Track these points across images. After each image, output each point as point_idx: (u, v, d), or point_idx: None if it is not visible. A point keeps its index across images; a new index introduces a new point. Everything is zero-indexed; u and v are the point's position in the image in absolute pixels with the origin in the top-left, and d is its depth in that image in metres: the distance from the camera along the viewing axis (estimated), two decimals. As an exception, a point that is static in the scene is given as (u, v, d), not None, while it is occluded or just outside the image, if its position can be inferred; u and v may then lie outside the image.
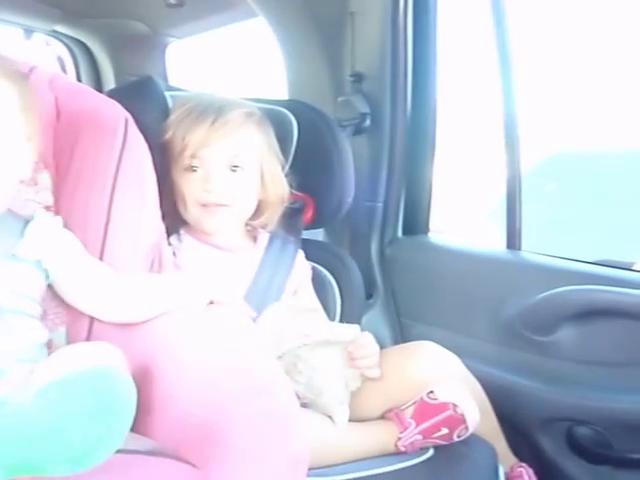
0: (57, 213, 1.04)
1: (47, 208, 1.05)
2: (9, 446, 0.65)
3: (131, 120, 1.09)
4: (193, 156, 1.22)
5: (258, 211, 1.31)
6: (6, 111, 0.91)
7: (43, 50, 2.34)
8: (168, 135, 1.23)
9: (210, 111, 1.22)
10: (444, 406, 1.13)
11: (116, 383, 0.71)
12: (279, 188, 1.31)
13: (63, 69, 2.34)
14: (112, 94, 1.22)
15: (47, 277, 0.97)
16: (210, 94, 1.31)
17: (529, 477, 1.27)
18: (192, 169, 1.23)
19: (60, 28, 2.25)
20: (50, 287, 0.99)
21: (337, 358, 1.20)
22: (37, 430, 0.66)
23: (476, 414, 1.15)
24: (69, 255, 0.98)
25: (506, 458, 1.28)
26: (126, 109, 1.10)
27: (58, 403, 0.67)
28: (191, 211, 1.25)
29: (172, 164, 1.24)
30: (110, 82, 2.25)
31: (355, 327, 1.21)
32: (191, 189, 1.23)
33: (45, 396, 0.68)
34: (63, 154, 1.08)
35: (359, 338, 1.21)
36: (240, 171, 1.24)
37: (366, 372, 1.22)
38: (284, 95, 1.84)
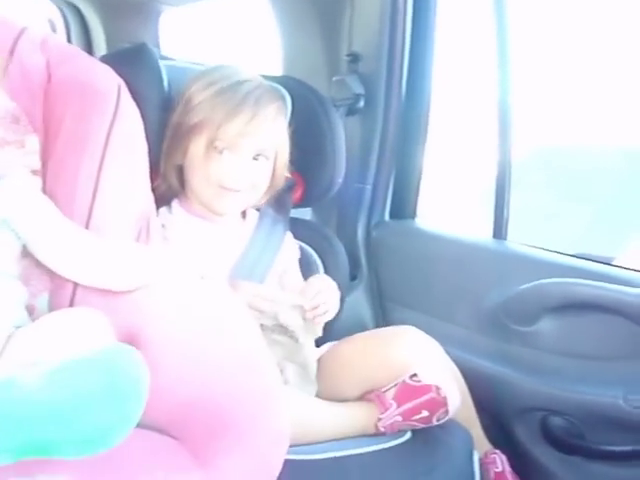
0: (44, 177, 1.03)
1: (34, 172, 1.03)
2: (19, 428, 0.64)
3: (124, 87, 1.08)
4: (227, 144, 1.22)
5: None
6: None
7: (33, 11, 2.29)
8: (198, 118, 1.21)
9: (249, 102, 1.21)
10: (427, 388, 1.14)
11: (129, 365, 0.70)
12: (284, 172, 1.32)
13: (54, 32, 2.29)
14: (105, 60, 1.20)
15: (19, 237, 0.94)
16: (233, 69, 1.28)
17: (502, 463, 1.28)
18: (220, 152, 1.22)
19: (52, -11, 2.21)
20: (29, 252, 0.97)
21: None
22: (48, 412, 0.65)
23: (457, 398, 1.16)
24: (39, 215, 0.95)
25: (481, 444, 1.30)
26: (119, 76, 1.08)
27: (69, 385, 0.66)
28: (207, 189, 1.25)
29: (198, 144, 1.22)
30: (101, 48, 2.21)
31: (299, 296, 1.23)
32: (218, 171, 1.22)
33: (56, 377, 0.66)
34: (53, 118, 1.06)
35: (311, 287, 1.23)
36: (262, 160, 1.26)
37: (323, 318, 1.22)
38: (278, 70, 1.82)
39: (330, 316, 1.25)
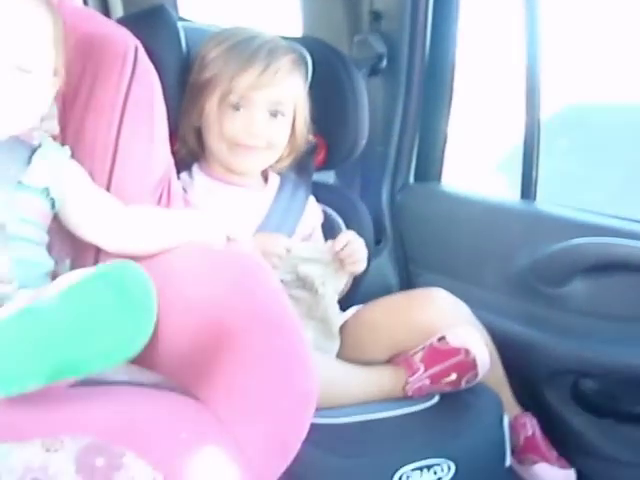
0: (63, 142, 1.02)
1: (53, 137, 1.02)
2: (46, 350, 0.67)
3: (141, 48, 1.05)
4: (240, 97, 1.20)
5: (281, 154, 1.29)
6: (41, 41, 0.89)
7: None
8: (210, 73, 1.20)
9: (261, 54, 1.20)
10: (456, 351, 1.13)
11: (137, 277, 0.71)
12: (305, 133, 1.30)
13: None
14: (122, 22, 1.18)
15: (53, 206, 0.95)
16: (250, 29, 1.26)
17: (532, 427, 1.27)
18: (235, 107, 1.21)
19: (67, -46, 2.17)
20: (56, 218, 0.97)
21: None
22: (67, 330, 0.67)
23: (487, 361, 1.14)
24: (76, 183, 0.96)
25: (511, 407, 1.28)
26: (137, 38, 1.06)
27: (81, 302, 0.68)
28: (224, 148, 1.23)
29: (213, 100, 1.21)
30: (118, 11, 2.18)
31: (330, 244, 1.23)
32: (232, 127, 1.21)
33: (69, 296, 0.69)
34: (70, 81, 1.03)
35: (340, 239, 1.22)
36: (280, 117, 1.23)
37: (353, 268, 1.23)
38: (298, 32, 1.78)
39: (360, 267, 1.24)
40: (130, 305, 0.69)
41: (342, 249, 1.21)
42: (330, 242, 1.24)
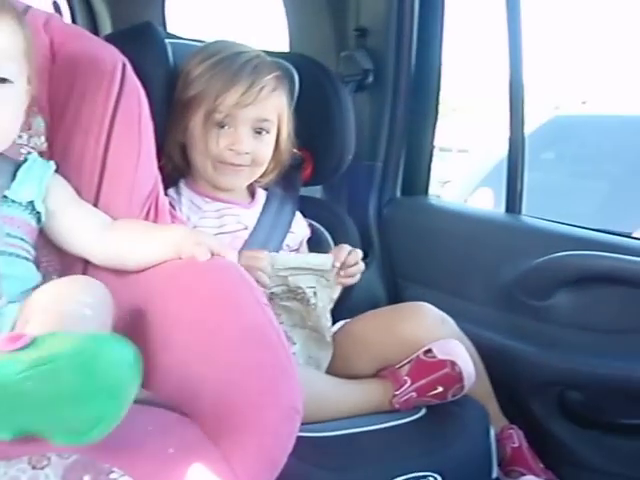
0: (51, 158, 1.02)
1: (41, 153, 1.03)
2: (10, 413, 0.65)
3: (128, 65, 1.06)
4: (225, 115, 1.21)
5: (266, 169, 1.30)
6: (15, 53, 0.90)
7: (38, -6, 2.27)
8: (195, 90, 1.21)
9: (246, 72, 1.21)
10: (442, 364, 1.13)
11: (111, 359, 0.67)
12: (289, 148, 1.31)
13: (59, 14, 2.28)
14: (109, 39, 1.19)
15: (39, 221, 0.95)
16: (232, 44, 1.27)
17: (519, 439, 1.27)
18: (220, 125, 1.21)
19: (56, -28, 2.19)
20: (42, 232, 0.97)
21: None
22: (34, 405, 0.65)
23: (473, 373, 1.15)
24: (61, 198, 0.97)
25: (497, 420, 1.29)
26: (124, 55, 1.07)
27: (54, 381, 0.65)
28: (209, 165, 1.24)
29: (197, 117, 1.21)
30: (107, 29, 2.19)
31: (329, 256, 1.23)
32: (216, 145, 1.22)
33: (41, 370, 0.65)
34: (58, 98, 1.05)
35: (340, 249, 1.24)
36: (264, 133, 1.24)
37: (348, 281, 1.24)
38: (285, 47, 1.80)
39: (354, 280, 1.25)
40: (98, 394, 0.65)
41: (344, 262, 1.22)
42: (328, 255, 1.25)
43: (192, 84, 1.21)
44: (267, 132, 1.24)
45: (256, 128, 1.23)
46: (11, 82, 0.89)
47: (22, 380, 0.65)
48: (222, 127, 1.22)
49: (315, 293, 1.22)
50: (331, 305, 1.25)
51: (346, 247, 1.26)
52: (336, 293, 1.26)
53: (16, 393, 0.65)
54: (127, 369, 0.67)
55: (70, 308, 0.76)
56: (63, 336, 0.69)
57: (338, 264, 1.22)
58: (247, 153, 1.23)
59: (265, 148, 1.25)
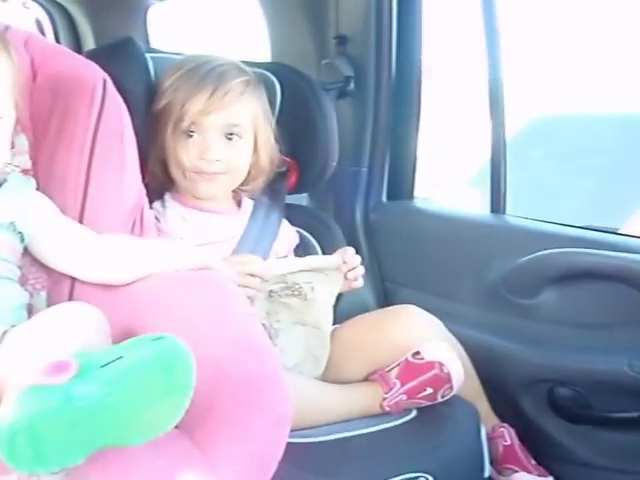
0: (35, 176, 1.03)
1: (25, 171, 1.03)
2: (86, 440, 0.68)
3: (109, 81, 1.07)
4: (192, 123, 1.21)
5: (248, 176, 1.30)
6: (5, 87, 0.91)
7: (20, 12, 2.28)
8: (164, 101, 1.21)
9: (210, 78, 1.20)
10: (430, 365, 1.14)
11: (183, 357, 0.73)
12: (270, 153, 1.30)
13: (41, 32, 2.29)
14: (91, 55, 1.20)
15: (22, 240, 0.96)
16: (205, 56, 1.27)
17: (510, 437, 1.29)
18: (188, 134, 1.22)
19: (38, -10, 2.20)
20: (28, 251, 0.98)
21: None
22: (115, 416, 0.68)
23: (461, 374, 1.16)
24: (43, 215, 0.97)
25: (488, 419, 1.30)
26: (105, 71, 1.08)
27: (132, 389, 0.69)
28: (186, 177, 1.24)
29: (168, 129, 1.22)
30: (90, 45, 2.20)
31: (337, 256, 1.25)
32: (188, 155, 1.22)
33: (118, 383, 0.69)
34: (40, 116, 1.06)
35: (345, 250, 1.25)
36: (236, 139, 1.23)
37: (353, 284, 1.25)
38: (267, 57, 1.81)
39: (359, 284, 1.27)
40: (175, 388, 0.71)
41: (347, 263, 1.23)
42: (331, 256, 1.26)
43: (162, 96, 1.22)
44: (239, 137, 1.23)
45: (227, 134, 1.22)
46: (1, 118, 0.91)
47: (106, 395, 0.68)
48: (191, 136, 1.21)
49: (313, 288, 1.23)
50: (332, 300, 1.26)
51: (350, 249, 1.27)
52: (336, 289, 1.26)
53: (99, 410, 0.67)
54: (192, 363, 0.73)
55: None
56: (116, 348, 0.74)
57: (342, 262, 1.23)
58: (218, 160, 1.22)
59: (238, 154, 1.24)
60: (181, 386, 0.71)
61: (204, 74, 1.21)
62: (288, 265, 1.22)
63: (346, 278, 1.24)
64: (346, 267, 1.23)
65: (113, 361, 0.70)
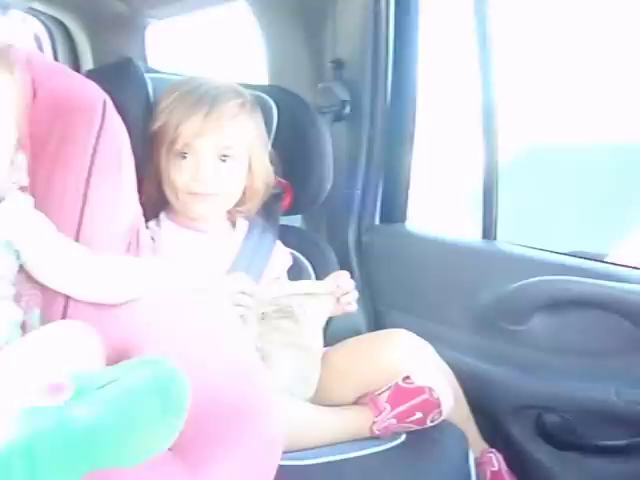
0: (32, 194, 1.03)
1: (22, 189, 1.04)
2: (83, 455, 0.67)
3: (109, 102, 1.08)
4: (185, 144, 1.22)
5: (242, 197, 1.31)
6: (6, 104, 0.92)
7: (19, 27, 2.30)
8: (160, 123, 1.22)
9: (205, 100, 1.21)
10: (420, 390, 1.15)
11: (179, 381, 0.73)
12: (265, 175, 1.31)
13: (40, 48, 2.30)
14: (90, 75, 1.21)
15: (18, 258, 0.96)
16: (201, 78, 1.29)
17: (498, 462, 1.29)
18: (182, 156, 1.23)
19: (37, 5, 2.21)
20: (23, 268, 0.98)
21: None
22: (109, 438, 0.68)
23: (450, 399, 1.17)
24: (39, 234, 0.97)
25: (476, 444, 1.31)
26: (105, 91, 1.09)
27: (128, 412, 0.69)
28: (179, 198, 1.25)
29: (162, 150, 1.23)
30: (88, 62, 2.22)
31: (330, 280, 1.26)
32: (181, 177, 1.23)
33: (112, 406, 0.69)
34: (39, 135, 1.06)
35: (339, 274, 1.26)
36: (230, 161, 1.24)
37: (346, 308, 1.26)
38: (264, 80, 1.83)
39: (353, 308, 1.27)
40: (170, 411, 0.71)
41: (342, 286, 1.24)
42: (324, 282, 1.27)
43: (157, 118, 1.23)
44: (233, 159, 1.24)
45: (220, 156, 1.23)
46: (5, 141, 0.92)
47: (98, 417, 0.67)
48: (184, 157, 1.22)
49: (305, 311, 1.23)
50: (323, 323, 1.27)
51: (345, 273, 1.28)
52: (328, 312, 1.27)
53: (92, 432, 0.67)
54: (187, 386, 0.73)
55: None
56: (112, 370, 0.74)
57: (335, 287, 1.24)
58: (212, 182, 1.22)
59: (232, 176, 1.25)
60: (176, 409, 0.71)
61: (199, 96, 1.22)
62: (282, 289, 1.23)
63: (339, 302, 1.24)
64: (340, 292, 1.24)
65: (109, 383, 0.70)
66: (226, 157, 1.24)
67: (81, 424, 0.67)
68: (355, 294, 1.27)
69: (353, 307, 1.27)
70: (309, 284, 1.27)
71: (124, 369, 0.73)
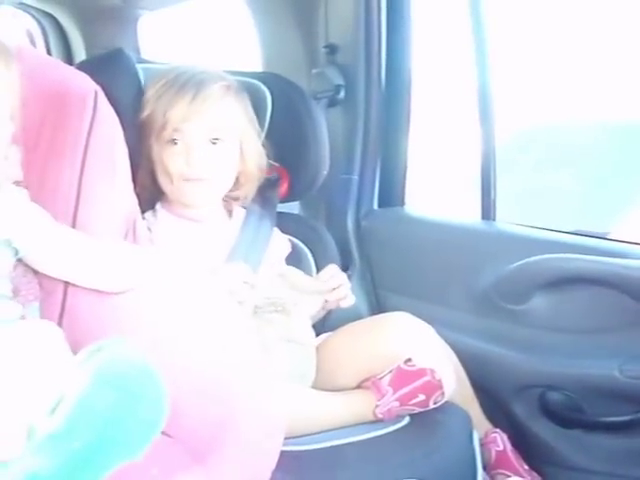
0: (27, 187, 1.03)
1: (16, 183, 1.04)
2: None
3: (101, 92, 1.08)
4: (174, 130, 1.22)
5: (237, 183, 1.31)
6: (2, 99, 0.92)
7: (10, 23, 2.29)
8: (148, 111, 1.23)
9: (190, 85, 1.22)
10: (422, 372, 1.15)
11: (151, 389, 0.72)
12: (258, 159, 1.31)
13: (32, 43, 2.29)
14: (82, 67, 1.21)
15: (16, 253, 0.95)
16: (187, 65, 1.29)
17: (503, 442, 1.29)
18: (173, 142, 1.23)
19: (28, 0, 2.20)
20: (20, 263, 0.97)
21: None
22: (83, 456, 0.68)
23: (452, 380, 1.17)
24: (37, 225, 0.96)
25: (480, 424, 1.31)
26: (96, 82, 1.09)
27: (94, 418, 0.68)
28: (172, 184, 1.25)
29: (153, 138, 1.23)
30: (81, 56, 2.20)
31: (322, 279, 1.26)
32: (173, 163, 1.23)
33: (74, 420, 0.68)
34: (31, 127, 1.06)
35: (324, 272, 1.27)
36: (220, 144, 1.24)
37: (341, 304, 1.26)
38: (258, 67, 1.83)
39: (350, 302, 1.27)
40: (141, 403, 0.70)
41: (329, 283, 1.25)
42: (311, 278, 1.28)
43: (145, 106, 1.24)
44: (223, 141, 1.24)
45: (211, 139, 1.23)
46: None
47: (67, 432, 0.67)
48: (175, 143, 1.23)
49: (296, 303, 1.24)
50: (314, 317, 1.28)
51: (329, 270, 1.28)
52: (316, 307, 1.28)
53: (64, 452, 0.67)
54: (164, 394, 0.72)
55: None
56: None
57: (325, 279, 1.25)
58: (204, 165, 1.23)
59: (223, 158, 1.25)
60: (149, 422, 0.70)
61: (184, 82, 1.23)
62: (273, 288, 1.24)
63: (327, 301, 1.26)
64: (326, 289, 1.25)
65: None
66: (216, 140, 1.24)
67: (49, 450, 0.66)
68: (348, 287, 1.27)
69: (348, 302, 1.27)
70: (300, 282, 1.27)
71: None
